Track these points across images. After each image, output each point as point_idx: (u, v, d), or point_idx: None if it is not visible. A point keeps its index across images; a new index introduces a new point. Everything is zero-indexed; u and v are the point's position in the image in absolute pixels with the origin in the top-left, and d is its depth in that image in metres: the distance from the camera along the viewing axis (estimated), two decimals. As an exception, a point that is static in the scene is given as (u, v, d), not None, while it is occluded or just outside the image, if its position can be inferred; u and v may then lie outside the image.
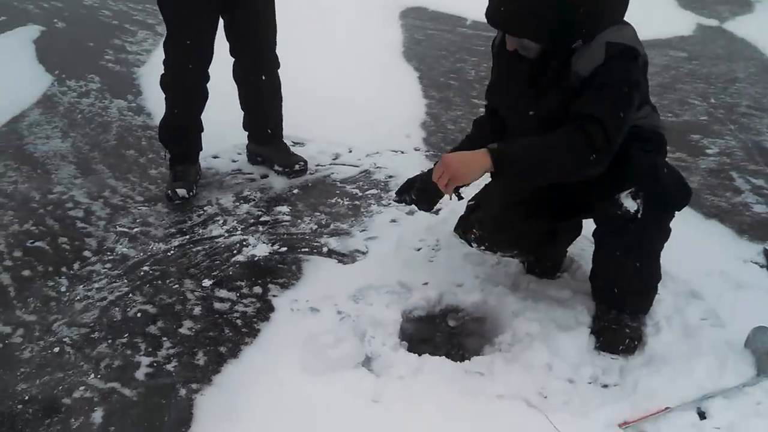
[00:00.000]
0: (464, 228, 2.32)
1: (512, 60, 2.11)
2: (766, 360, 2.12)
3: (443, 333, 2.44)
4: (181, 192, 3.10)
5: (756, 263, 2.73)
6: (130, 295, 2.55)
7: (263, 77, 3.20)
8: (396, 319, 2.36)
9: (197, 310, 2.48)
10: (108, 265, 2.70)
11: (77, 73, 4.49)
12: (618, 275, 2.22)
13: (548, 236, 2.37)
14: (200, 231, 2.93)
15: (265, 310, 2.48)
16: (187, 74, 3.04)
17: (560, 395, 2.09)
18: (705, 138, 3.82)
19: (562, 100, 2.00)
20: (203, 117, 3.19)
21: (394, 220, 3.00)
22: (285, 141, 3.44)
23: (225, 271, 2.69)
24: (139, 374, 2.20)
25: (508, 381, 2.11)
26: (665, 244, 2.17)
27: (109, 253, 2.77)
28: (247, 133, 3.40)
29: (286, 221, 3.01)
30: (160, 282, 2.62)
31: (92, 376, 2.19)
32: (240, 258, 2.76)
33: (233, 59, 3.16)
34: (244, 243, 2.85)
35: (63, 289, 2.57)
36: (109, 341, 2.33)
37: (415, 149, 3.65)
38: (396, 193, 2.49)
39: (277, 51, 3.18)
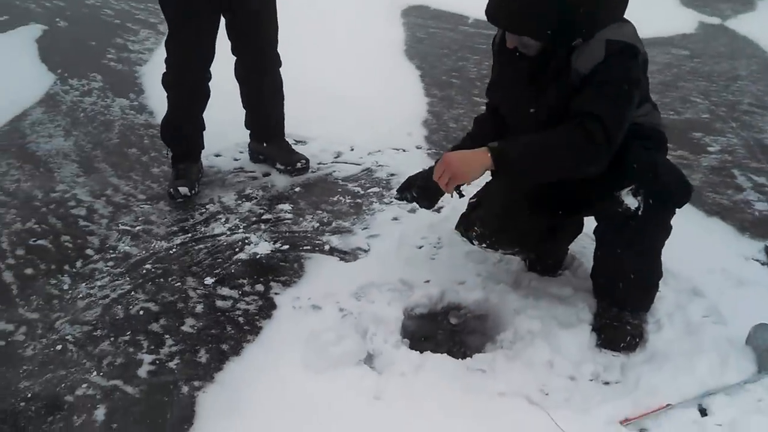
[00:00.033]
0: (466, 226, 2.32)
1: (512, 58, 2.11)
2: (767, 357, 2.12)
3: (445, 330, 2.44)
4: (183, 190, 3.11)
5: (757, 260, 2.74)
6: (133, 292, 2.56)
7: (265, 76, 3.21)
8: (398, 317, 2.37)
9: (199, 308, 2.49)
10: (110, 263, 2.71)
11: (79, 71, 4.49)
12: (619, 272, 2.22)
13: (549, 234, 2.37)
14: (202, 229, 2.94)
15: (267, 307, 2.49)
16: (189, 73, 3.04)
17: (562, 392, 2.09)
18: (707, 136, 3.82)
19: (562, 97, 2.00)
20: (205, 115, 3.20)
21: (395, 218, 3.00)
22: (287, 139, 3.44)
23: (227, 268, 2.69)
24: (142, 372, 2.21)
25: (510, 378, 2.11)
26: (666, 242, 2.17)
27: (111, 251, 2.78)
28: (248, 131, 3.41)
29: (288, 219, 3.02)
30: (162, 280, 2.63)
31: (95, 373, 2.20)
32: (242, 256, 2.77)
33: (235, 58, 3.16)
34: (246, 241, 2.86)
35: (65, 287, 2.58)
36: (112, 339, 2.34)
37: (417, 147, 3.65)
38: (397, 191, 2.48)
39: (279, 49, 3.19)
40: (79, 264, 2.70)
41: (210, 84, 3.11)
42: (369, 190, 3.24)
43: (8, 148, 3.56)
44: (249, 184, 3.29)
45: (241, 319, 2.44)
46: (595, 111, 1.90)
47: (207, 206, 3.09)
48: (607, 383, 2.14)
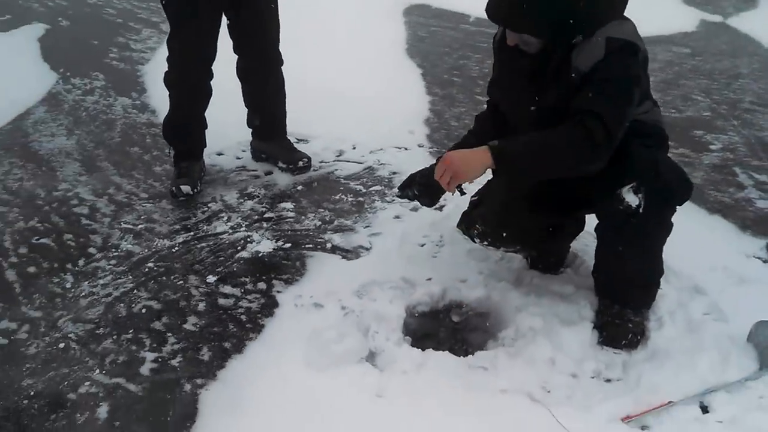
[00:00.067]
0: (467, 224, 2.33)
1: (513, 55, 2.11)
2: (768, 354, 2.13)
3: (447, 328, 2.45)
4: (186, 189, 3.11)
5: (759, 258, 2.74)
6: (135, 291, 2.56)
7: (267, 74, 3.21)
8: (399, 315, 2.37)
9: (202, 306, 2.49)
10: (113, 262, 2.72)
11: (82, 70, 4.50)
12: (620, 270, 2.22)
13: (551, 232, 2.37)
14: (204, 227, 2.94)
15: (269, 305, 2.49)
16: (191, 72, 3.05)
17: (563, 390, 2.09)
18: (708, 134, 3.82)
19: (562, 95, 2.00)
20: (207, 114, 3.21)
21: (397, 216, 3.01)
22: (289, 138, 3.45)
23: (229, 267, 2.70)
24: (144, 369, 2.21)
25: (512, 376, 2.12)
26: (668, 239, 2.17)
27: (113, 250, 2.79)
28: (251, 130, 3.41)
29: (290, 218, 3.02)
30: (164, 278, 2.63)
31: (97, 371, 2.21)
32: (244, 254, 2.77)
33: (237, 56, 3.17)
34: (249, 239, 2.86)
35: (68, 285, 2.59)
36: (114, 337, 2.35)
37: (419, 146, 3.65)
38: (399, 189, 2.49)
39: (281, 48, 3.19)
40: (81, 262, 2.71)
41: (212, 83, 3.11)
42: (371, 189, 3.24)
43: (11, 147, 3.57)
44: (251, 182, 3.29)
45: (243, 317, 2.44)
46: (595, 109, 1.90)
47: (209, 205, 3.10)
48: (608, 380, 2.14)
